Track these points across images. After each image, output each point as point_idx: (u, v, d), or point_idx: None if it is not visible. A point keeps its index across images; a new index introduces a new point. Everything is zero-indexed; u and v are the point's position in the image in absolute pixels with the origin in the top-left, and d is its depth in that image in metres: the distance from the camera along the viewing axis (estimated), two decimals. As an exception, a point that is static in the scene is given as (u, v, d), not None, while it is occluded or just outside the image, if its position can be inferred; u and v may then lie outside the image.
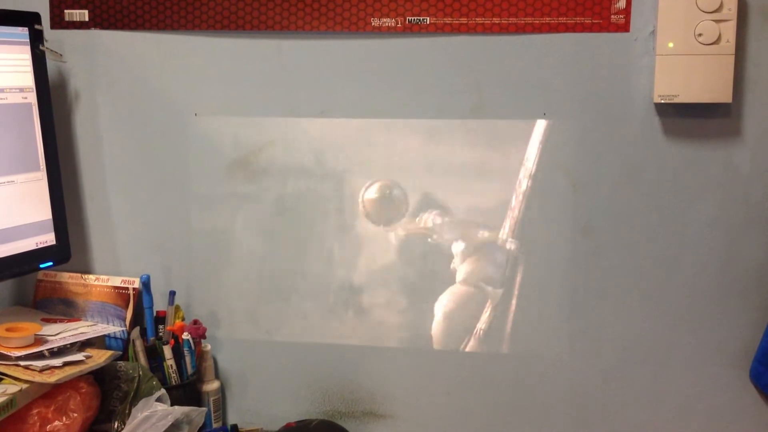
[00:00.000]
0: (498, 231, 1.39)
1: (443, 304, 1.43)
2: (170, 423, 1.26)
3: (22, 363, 1.25)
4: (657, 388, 1.39)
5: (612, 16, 1.31)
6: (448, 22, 1.35)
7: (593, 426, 1.42)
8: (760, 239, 1.32)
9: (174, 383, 1.41)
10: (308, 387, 1.49)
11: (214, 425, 1.47)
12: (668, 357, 1.38)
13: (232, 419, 1.51)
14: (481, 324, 1.42)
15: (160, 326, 1.45)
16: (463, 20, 1.34)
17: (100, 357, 1.34)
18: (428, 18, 1.35)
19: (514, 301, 1.40)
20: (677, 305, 1.36)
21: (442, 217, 1.40)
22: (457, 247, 1.41)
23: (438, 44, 1.36)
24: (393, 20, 1.36)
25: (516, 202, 1.38)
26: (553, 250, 1.38)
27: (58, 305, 1.50)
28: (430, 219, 1.40)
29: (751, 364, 1.35)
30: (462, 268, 1.41)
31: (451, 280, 1.42)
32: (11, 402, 1.20)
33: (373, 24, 1.37)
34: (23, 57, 1.37)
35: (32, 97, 1.38)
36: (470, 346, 1.43)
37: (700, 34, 1.25)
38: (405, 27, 1.36)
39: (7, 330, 1.29)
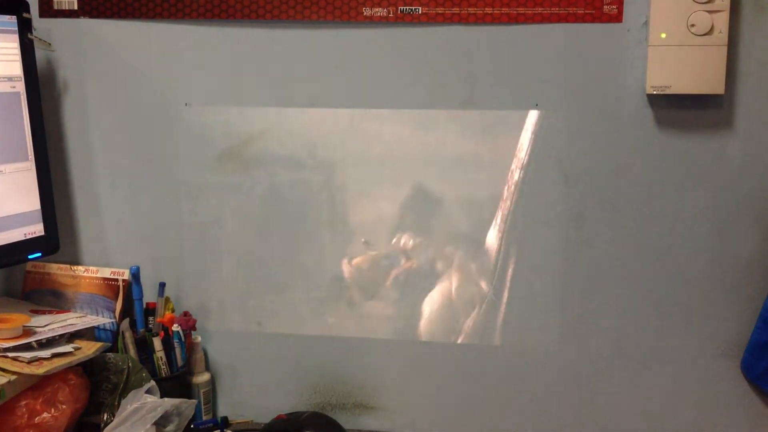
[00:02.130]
0: (490, 222, 1.39)
1: (434, 296, 1.43)
2: (160, 415, 1.26)
3: (10, 354, 1.24)
4: (647, 379, 1.39)
5: (605, 7, 1.30)
6: (440, 11, 1.34)
7: (584, 417, 1.42)
8: (751, 230, 1.32)
9: (164, 375, 1.40)
10: (299, 379, 1.49)
11: (204, 417, 1.46)
12: (658, 348, 1.38)
13: (222, 411, 1.51)
14: (473, 316, 1.42)
15: (150, 318, 1.44)
16: (456, 10, 1.33)
17: (89, 348, 1.33)
18: (420, 7, 1.34)
19: (505, 293, 1.40)
20: (668, 296, 1.36)
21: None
22: (449, 239, 1.41)
23: (430, 34, 1.36)
24: (385, 10, 1.35)
25: (508, 192, 1.37)
26: (545, 240, 1.38)
27: (47, 296, 1.49)
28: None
29: (742, 355, 1.35)
30: (454, 260, 1.41)
31: (442, 272, 1.42)
32: (-1, 393, 1.19)
33: (364, 13, 1.36)
34: (11, 46, 1.36)
35: (20, 86, 1.36)
36: (462, 337, 1.43)
37: (692, 25, 1.25)
38: (397, 17, 1.35)
39: (-5, 321, 1.28)
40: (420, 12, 1.34)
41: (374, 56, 1.38)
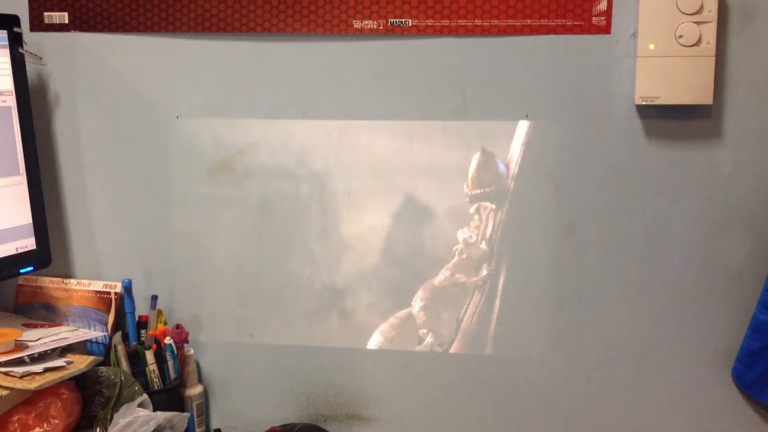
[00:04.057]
0: (480, 231, 1.39)
1: (426, 306, 1.43)
2: (153, 428, 1.25)
3: (2, 369, 1.24)
4: (639, 387, 1.39)
5: (593, 18, 1.31)
6: (430, 24, 1.34)
7: (576, 425, 1.42)
8: (740, 239, 1.33)
9: (156, 388, 1.40)
10: (292, 390, 1.49)
11: (197, 430, 1.46)
12: (650, 356, 1.38)
13: (215, 423, 1.51)
14: (465, 325, 1.42)
15: (143, 331, 1.44)
16: (445, 22, 1.34)
17: (81, 362, 1.33)
18: (410, 20, 1.35)
19: (497, 302, 1.40)
20: (659, 304, 1.37)
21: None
22: (441, 249, 1.41)
23: (420, 46, 1.36)
24: (375, 22, 1.36)
25: (498, 202, 1.38)
26: (536, 250, 1.38)
27: (39, 310, 1.49)
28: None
29: (733, 363, 1.36)
30: (445, 270, 1.41)
31: (435, 282, 1.42)
32: (-9, 409, 1.19)
33: (355, 26, 1.37)
34: (2, 60, 1.36)
35: (11, 101, 1.36)
36: (454, 347, 1.43)
37: (680, 36, 1.26)
38: (387, 29, 1.36)
39: (-13, 336, 1.28)
40: (410, 24, 1.35)
41: (364, 68, 1.38)
